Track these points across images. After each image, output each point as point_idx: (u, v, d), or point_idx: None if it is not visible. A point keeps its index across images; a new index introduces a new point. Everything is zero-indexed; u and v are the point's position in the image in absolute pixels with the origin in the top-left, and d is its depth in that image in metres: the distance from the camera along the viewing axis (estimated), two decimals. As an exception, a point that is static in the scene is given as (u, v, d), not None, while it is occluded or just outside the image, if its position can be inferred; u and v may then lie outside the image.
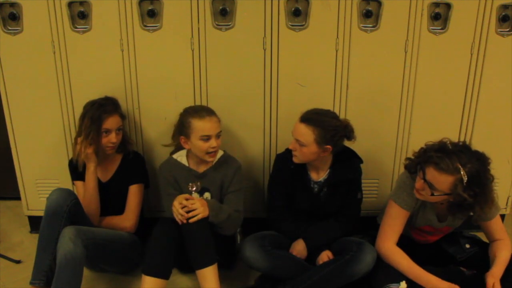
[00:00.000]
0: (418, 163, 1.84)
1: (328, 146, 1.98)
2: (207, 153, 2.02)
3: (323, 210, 2.12)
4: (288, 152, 2.08)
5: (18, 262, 2.28)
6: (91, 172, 2.08)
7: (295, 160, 2.05)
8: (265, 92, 2.23)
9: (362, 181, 2.16)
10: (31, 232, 2.54)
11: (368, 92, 2.25)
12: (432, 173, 1.75)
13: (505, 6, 2.13)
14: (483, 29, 2.15)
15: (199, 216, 1.85)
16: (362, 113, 2.26)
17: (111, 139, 2.08)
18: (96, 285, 2.15)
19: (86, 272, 1.93)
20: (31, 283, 1.86)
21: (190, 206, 1.85)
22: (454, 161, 1.71)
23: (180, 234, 1.87)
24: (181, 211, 1.85)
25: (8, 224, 2.63)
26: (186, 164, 2.11)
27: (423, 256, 1.98)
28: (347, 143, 2.08)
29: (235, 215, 2.05)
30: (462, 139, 2.28)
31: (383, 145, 2.34)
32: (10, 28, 2.13)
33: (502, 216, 2.42)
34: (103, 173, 2.18)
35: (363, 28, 2.15)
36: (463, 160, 1.71)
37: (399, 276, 1.85)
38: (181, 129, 2.05)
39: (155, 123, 2.29)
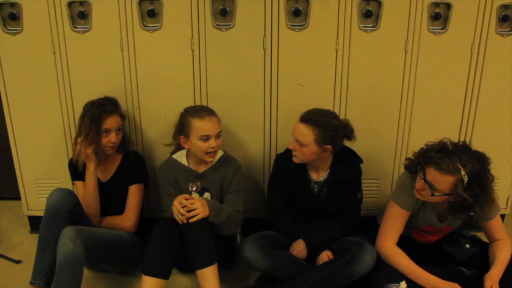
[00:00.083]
0: (418, 163, 1.84)
1: (328, 146, 1.98)
2: (206, 153, 2.02)
3: (323, 210, 2.12)
4: (288, 152, 2.08)
5: (18, 262, 2.28)
6: (91, 172, 2.08)
7: (295, 160, 2.05)
8: (265, 92, 2.23)
9: (362, 181, 2.16)
10: (31, 232, 2.54)
11: (368, 92, 2.25)
12: (432, 174, 1.75)
13: (505, 6, 2.13)
14: (483, 29, 2.15)
15: (199, 216, 1.85)
16: (362, 113, 2.26)
17: (111, 139, 2.08)
18: (96, 285, 2.15)
19: (86, 272, 1.93)
20: (31, 283, 1.86)
21: (190, 206, 1.85)
22: (454, 162, 1.71)
23: (180, 234, 1.87)
24: (182, 210, 1.85)
25: (8, 224, 2.63)
26: (186, 164, 2.11)
27: (423, 256, 1.98)
28: (347, 143, 2.08)
29: (235, 215, 2.04)
30: (462, 139, 2.28)
31: (383, 145, 2.34)
32: (10, 28, 2.13)
33: (502, 216, 2.42)
34: (103, 173, 2.18)
35: (363, 28, 2.15)
36: (463, 161, 1.71)
37: (399, 276, 1.85)
38: (181, 128, 2.06)
39: (155, 123, 2.29)
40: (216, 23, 2.13)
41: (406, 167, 1.93)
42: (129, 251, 2.09)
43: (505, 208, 2.47)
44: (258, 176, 2.39)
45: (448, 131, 2.11)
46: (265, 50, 2.16)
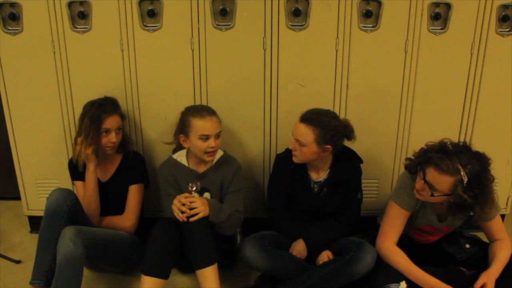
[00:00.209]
0: (418, 163, 1.84)
1: (328, 146, 1.98)
2: (206, 152, 2.02)
3: (323, 210, 2.12)
4: (288, 152, 2.08)
5: (18, 262, 2.28)
6: (91, 172, 2.08)
7: (295, 160, 2.05)
8: (265, 92, 2.23)
9: (362, 181, 2.16)
10: (31, 232, 2.54)
11: (368, 92, 2.25)
12: (432, 174, 1.75)
13: (505, 6, 2.13)
14: (483, 29, 2.15)
15: (200, 215, 1.85)
16: (362, 113, 2.26)
17: (111, 139, 2.08)
18: (96, 285, 2.15)
19: (86, 272, 1.93)
20: (31, 283, 1.86)
21: (190, 205, 1.85)
22: (454, 162, 1.71)
23: (179, 234, 1.87)
24: (182, 208, 1.85)
25: (8, 224, 2.63)
26: (186, 164, 2.11)
27: (423, 256, 1.98)
28: (347, 143, 2.08)
29: (235, 215, 2.04)
30: (462, 139, 2.28)
31: (383, 145, 2.34)
32: (10, 28, 2.13)
33: (502, 216, 2.42)
34: (103, 173, 2.18)
35: (363, 28, 2.15)
36: (463, 161, 1.71)
37: (399, 276, 1.85)
38: (182, 127, 2.06)
39: (155, 123, 2.29)
40: (216, 23, 2.13)
41: (406, 167, 1.93)
42: (129, 251, 2.09)
43: (505, 208, 2.47)
44: (258, 176, 2.39)
45: (448, 131, 2.11)
46: (265, 50, 2.16)
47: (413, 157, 1.89)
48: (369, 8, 2.12)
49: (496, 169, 1.80)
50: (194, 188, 1.99)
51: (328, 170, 2.10)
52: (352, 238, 2.07)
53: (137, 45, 2.16)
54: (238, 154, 2.23)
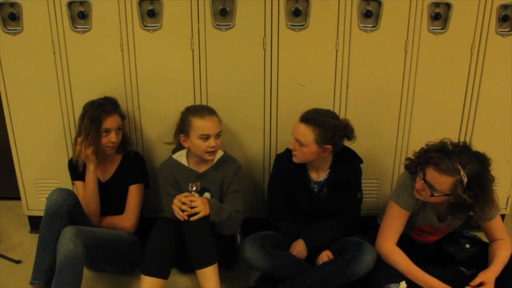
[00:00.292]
0: (418, 163, 1.84)
1: (328, 146, 1.98)
2: (206, 152, 2.02)
3: (323, 210, 2.12)
4: (288, 152, 2.08)
5: (18, 262, 2.28)
6: (91, 172, 2.08)
7: (295, 160, 2.05)
8: (265, 92, 2.23)
9: (362, 181, 2.16)
10: (31, 232, 2.54)
11: (368, 92, 2.25)
12: (432, 174, 1.75)
13: (505, 6, 2.13)
14: (483, 29, 2.15)
15: (200, 214, 1.85)
16: (362, 113, 2.26)
17: (111, 139, 2.08)
18: (96, 285, 2.15)
19: (86, 272, 1.93)
20: (31, 283, 1.86)
21: (191, 203, 1.85)
22: (454, 162, 1.71)
23: (179, 234, 1.87)
24: (183, 207, 1.85)
25: (8, 224, 2.63)
26: (186, 164, 2.11)
27: (423, 256, 1.98)
28: (347, 143, 2.08)
29: (236, 215, 2.04)
30: (462, 139, 2.28)
31: (383, 145, 2.34)
32: (10, 28, 2.13)
33: (502, 216, 2.42)
34: (103, 173, 2.18)
35: (363, 28, 2.15)
36: (463, 161, 1.71)
37: (399, 276, 1.85)
38: (182, 127, 2.06)
39: (155, 123, 2.29)
40: (216, 23, 2.13)
41: (406, 167, 1.93)
42: (129, 251, 2.09)
43: (505, 208, 2.47)
44: (258, 176, 2.39)
45: (448, 131, 2.11)
46: (265, 50, 2.16)
47: (413, 157, 1.89)
48: (369, 8, 2.12)
49: (496, 169, 1.80)
50: (194, 188, 1.99)
51: (328, 170, 2.10)
52: (352, 238, 2.07)
53: (137, 45, 2.16)
54: (238, 154, 2.23)
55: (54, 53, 2.16)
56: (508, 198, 2.46)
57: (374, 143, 2.31)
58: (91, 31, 2.13)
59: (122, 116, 2.16)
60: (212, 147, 2.01)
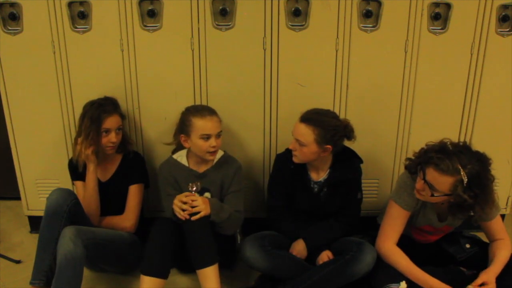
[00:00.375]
0: (418, 163, 1.84)
1: (328, 146, 1.98)
2: (207, 152, 2.02)
3: (323, 210, 2.12)
4: (288, 152, 2.08)
5: (18, 262, 2.28)
6: (91, 172, 2.08)
7: (295, 160, 2.05)
8: (265, 92, 2.23)
9: (362, 181, 2.16)
10: (31, 232, 2.54)
11: (368, 92, 2.25)
12: (432, 174, 1.75)
13: (505, 6, 2.13)
14: (483, 29, 2.15)
15: (201, 214, 1.85)
16: (362, 113, 2.26)
17: (111, 139, 2.08)
18: (96, 285, 2.15)
19: (86, 272, 1.93)
20: (31, 283, 1.86)
21: (191, 203, 1.85)
22: (454, 162, 1.71)
23: (178, 233, 1.88)
24: (184, 206, 1.85)
25: (8, 224, 2.63)
26: (186, 164, 2.11)
27: (423, 256, 1.98)
28: (347, 143, 2.08)
29: (236, 215, 2.04)
30: (462, 139, 2.28)
31: (383, 145, 2.34)
32: (10, 28, 2.13)
33: (502, 216, 2.42)
34: (103, 173, 2.18)
35: (363, 28, 2.15)
36: (463, 161, 1.71)
37: (399, 276, 1.85)
38: (182, 127, 2.06)
39: (155, 123, 2.29)
40: (216, 23, 2.13)
41: (406, 167, 1.93)
42: (129, 251, 2.09)
43: (505, 208, 2.47)
44: (258, 176, 2.39)
45: (448, 131, 2.11)
46: (265, 50, 2.16)
47: (413, 157, 1.89)
48: (369, 8, 2.12)
49: (496, 169, 1.80)
50: (194, 188, 1.99)
51: (328, 170, 2.10)
52: (352, 238, 2.07)
53: (137, 45, 2.16)
54: (238, 154, 2.23)
55: (54, 53, 2.16)
56: (508, 198, 2.46)
57: (374, 143, 2.31)
58: (91, 31, 2.13)
59: (122, 116, 2.16)
60: (213, 147, 2.01)
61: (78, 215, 1.95)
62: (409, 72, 2.21)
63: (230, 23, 2.13)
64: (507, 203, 2.47)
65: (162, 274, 1.85)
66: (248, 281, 2.15)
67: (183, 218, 1.84)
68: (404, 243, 1.94)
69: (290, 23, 2.13)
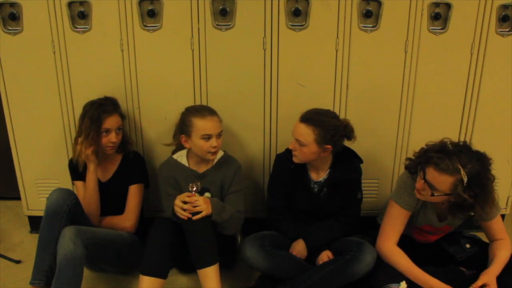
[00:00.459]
0: (418, 163, 1.84)
1: (328, 146, 1.98)
2: (208, 152, 2.02)
3: (323, 210, 2.12)
4: (288, 152, 2.08)
5: (18, 262, 2.28)
6: (91, 172, 2.08)
7: (295, 160, 2.05)
8: (265, 92, 2.23)
9: (362, 181, 2.16)
10: (31, 232, 2.53)
11: (368, 92, 2.25)
12: (432, 174, 1.75)
13: (505, 6, 2.13)
14: (483, 29, 2.15)
15: (203, 214, 1.85)
16: (362, 113, 2.26)
17: (111, 139, 2.08)
18: (96, 285, 2.15)
19: (86, 272, 1.93)
20: (31, 283, 1.86)
21: (193, 203, 1.85)
22: (454, 162, 1.71)
23: (178, 233, 1.88)
24: (185, 206, 1.85)
25: (8, 224, 2.63)
26: (186, 164, 2.11)
27: (424, 256, 1.98)
28: (347, 143, 2.08)
29: (237, 215, 2.04)
30: (462, 139, 2.28)
31: (383, 145, 2.34)
32: (10, 28, 2.13)
33: (502, 216, 2.42)
34: (103, 173, 2.18)
35: (363, 28, 2.15)
36: (463, 161, 1.71)
37: (399, 276, 1.85)
38: (182, 127, 2.06)
39: (155, 123, 2.29)
40: (216, 23, 2.13)
41: (406, 167, 1.93)
42: (129, 251, 2.09)
43: (505, 208, 2.47)
44: (258, 176, 2.39)
45: (448, 131, 2.10)
46: (265, 50, 2.16)
47: (413, 157, 1.89)
48: (369, 8, 2.12)
49: (496, 169, 1.80)
50: (194, 188, 1.99)
51: (328, 170, 2.10)
52: (352, 238, 2.07)
53: (137, 45, 2.16)
54: (238, 154, 2.23)
55: (54, 53, 2.16)
56: (508, 198, 2.46)
57: (374, 143, 2.31)
58: (91, 31, 2.13)
59: (122, 116, 2.16)
60: (214, 147, 2.01)
61: (78, 215, 1.95)
62: (409, 72, 2.21)
63: (230, 23, 2.13)
64: (507, 203, 2.47)
65: (161, 274, 1.85)
66: (248, 281, 2.15)
67: (186, 218, 1.84)
68: (404, 243, 1.94)
69: (290, 23, 2.13)
